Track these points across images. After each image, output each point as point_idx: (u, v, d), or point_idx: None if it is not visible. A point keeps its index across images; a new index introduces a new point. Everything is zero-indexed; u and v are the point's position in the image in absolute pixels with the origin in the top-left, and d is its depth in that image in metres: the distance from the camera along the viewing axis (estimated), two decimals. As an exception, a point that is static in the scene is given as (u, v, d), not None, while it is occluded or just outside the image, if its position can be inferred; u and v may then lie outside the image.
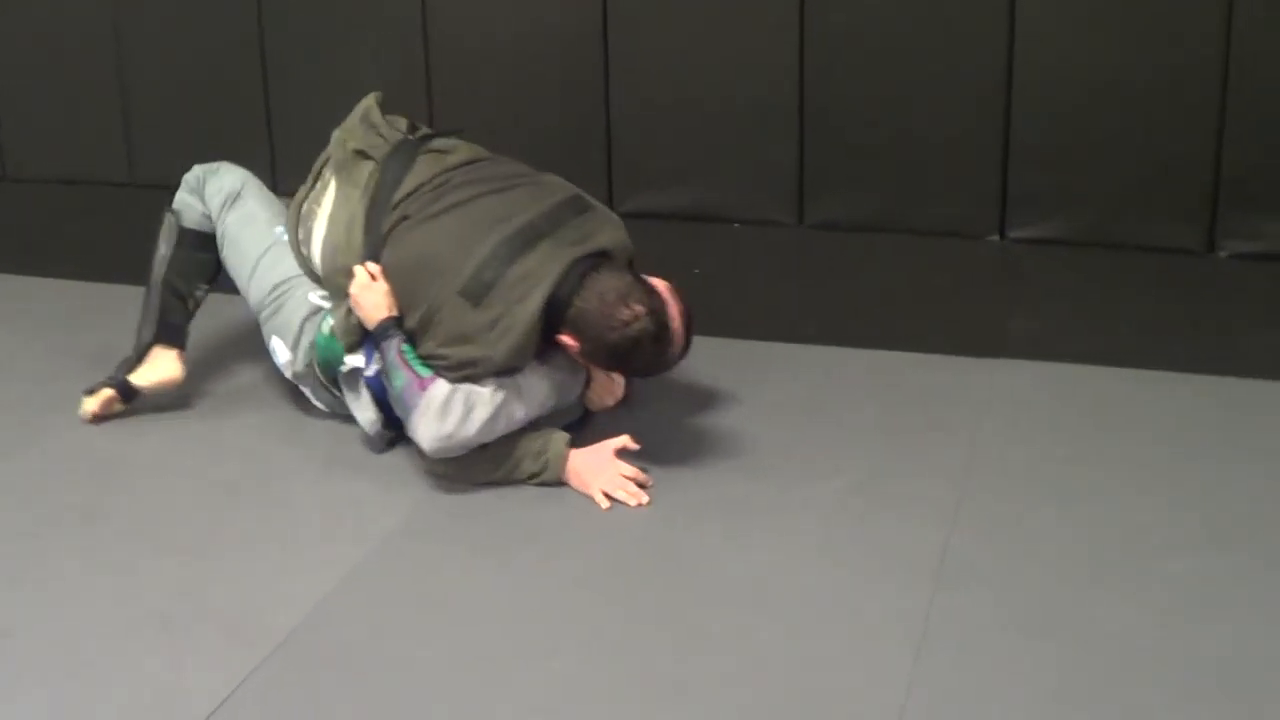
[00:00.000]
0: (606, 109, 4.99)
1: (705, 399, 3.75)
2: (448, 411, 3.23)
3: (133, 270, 3.97)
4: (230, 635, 2.85)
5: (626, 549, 3.13)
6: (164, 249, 3.79)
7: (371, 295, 3.38)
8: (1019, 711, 2.53)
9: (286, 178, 5.32)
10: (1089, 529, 3.10)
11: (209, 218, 3.78)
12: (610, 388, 3.52)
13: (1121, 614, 2.79)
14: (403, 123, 3.69)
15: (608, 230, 3.42)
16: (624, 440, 3.31)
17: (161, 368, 3.78)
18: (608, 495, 3.27)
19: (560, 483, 3.33)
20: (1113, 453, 3.41)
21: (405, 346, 3.31)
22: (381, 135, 3.61)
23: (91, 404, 3.74)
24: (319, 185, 3.65)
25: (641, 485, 3.29)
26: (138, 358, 3.78)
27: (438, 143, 3.61)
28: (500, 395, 3.26)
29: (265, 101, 5.51)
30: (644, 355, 3.26)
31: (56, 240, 5.36)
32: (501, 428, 3.29)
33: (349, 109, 3.73)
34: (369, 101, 3.70)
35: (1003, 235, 4.78)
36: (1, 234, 5.50)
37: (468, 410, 3.23)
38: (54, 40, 5.74)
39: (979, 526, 3.12)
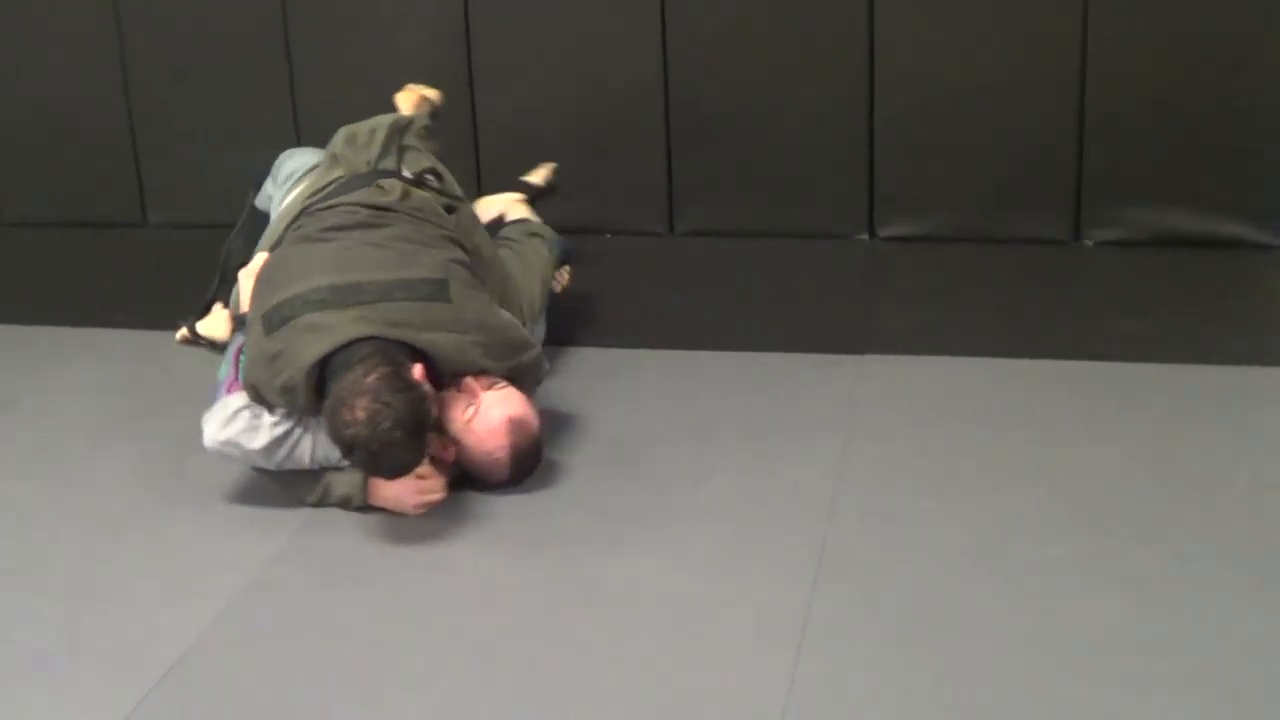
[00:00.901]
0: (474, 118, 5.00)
1: (581, 407, 3.75)
2: (232, 421, 3.25)
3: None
4: (111, 672, 2.82)
5: (505, 563, 3.14)
6: (239, 222, 4.15)
7: (245, 283, 3.48)
8: (899, 701, 2.57)
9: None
10: (963, 518, 3.14)
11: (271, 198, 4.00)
12: (416, 486, 3.30)
13: (997, 600, 2.84)
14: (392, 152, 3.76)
15: (441, 333, 3.27)
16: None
17: (215, 324, 4.12)
18: (420, 506, 3.29)
19: (369, 507, 3.32)
20: (984, 442, 3.46)
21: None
22: (359, 156, 3.69)
23: (178, 335, 4.21)
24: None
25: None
26: (204, 309, 4.18)
27: (386, 181, 3.59)
28: (280, 430, 3.26)
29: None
30: (365, 462, 3.18)
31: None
32: (282, 459, 3.28)
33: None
34: (386, 121, 3.78)
35: (872, 234, 4.83)
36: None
37: (250, 430, 3.25)
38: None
39: (856, 521, 3.16)
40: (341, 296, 3.24)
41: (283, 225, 3.62)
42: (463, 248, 3.49)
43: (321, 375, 3.19)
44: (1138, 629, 2.73)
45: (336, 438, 3.14)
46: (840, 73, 4.72)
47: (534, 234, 4.09)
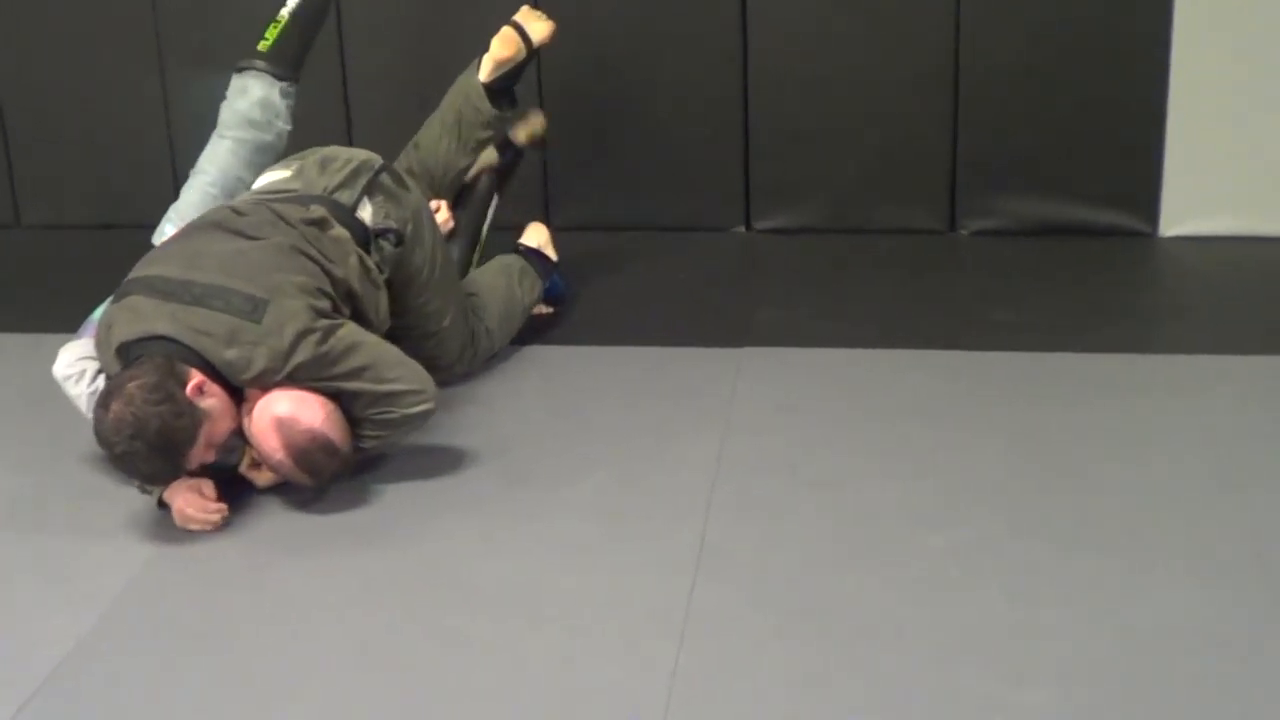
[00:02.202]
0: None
1: (460, 404, 3.76)
2: (73, 365, 3.46)
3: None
4: (-12, 679, 2.80)
5: (384, 561, 3.14)
6: None
7: None
8: (778, 692, 2.61)
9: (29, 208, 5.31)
10: (841, 510, 3.18)
11: None
12: (198, 504, 3.28)
13: (875, 591, 2.88)
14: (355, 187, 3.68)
15: (241, 351, 3.25)
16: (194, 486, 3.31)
17: None
18: (193, 523, 3.27)
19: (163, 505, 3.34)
20: (861, 434, 3.51)
21: None
22: (320, 179, 3.65)
23: None
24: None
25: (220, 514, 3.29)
26: None
27: (315, 207, 3.55)
28: (88, 393, 3.40)
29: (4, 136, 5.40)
30: (111, 462, 3.23)
31: None
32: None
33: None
34: (361, 156, 3.73)
35: (749, 226, 4.87)
36: None
37: (76, 380, 3.44)
38: None
39: (734, 515, 3.19)
40: (169, 289, 3.28)
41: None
42: (337, 286, 3.42)
43: (128, 358, 3.25)
44: (1017, 618, 2.77)
45: (93, 430, 3.19)
46: (715, 63, 4.75)
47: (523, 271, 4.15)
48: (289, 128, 4.05)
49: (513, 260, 4.18)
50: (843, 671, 2.65)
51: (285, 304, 3.25)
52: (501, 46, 4.19)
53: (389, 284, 3.61)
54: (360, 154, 3.75)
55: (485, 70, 4.19)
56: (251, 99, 4.02)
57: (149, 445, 3.10)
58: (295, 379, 3.25)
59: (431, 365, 3.63)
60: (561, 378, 3.94)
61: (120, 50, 5.14)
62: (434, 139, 4.19)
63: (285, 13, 4.10)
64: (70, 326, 3.69)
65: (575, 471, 3.43)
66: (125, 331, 3.26)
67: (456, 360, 3.86)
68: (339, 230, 3.50)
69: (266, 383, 3.26)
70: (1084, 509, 3.13)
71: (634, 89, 4.83)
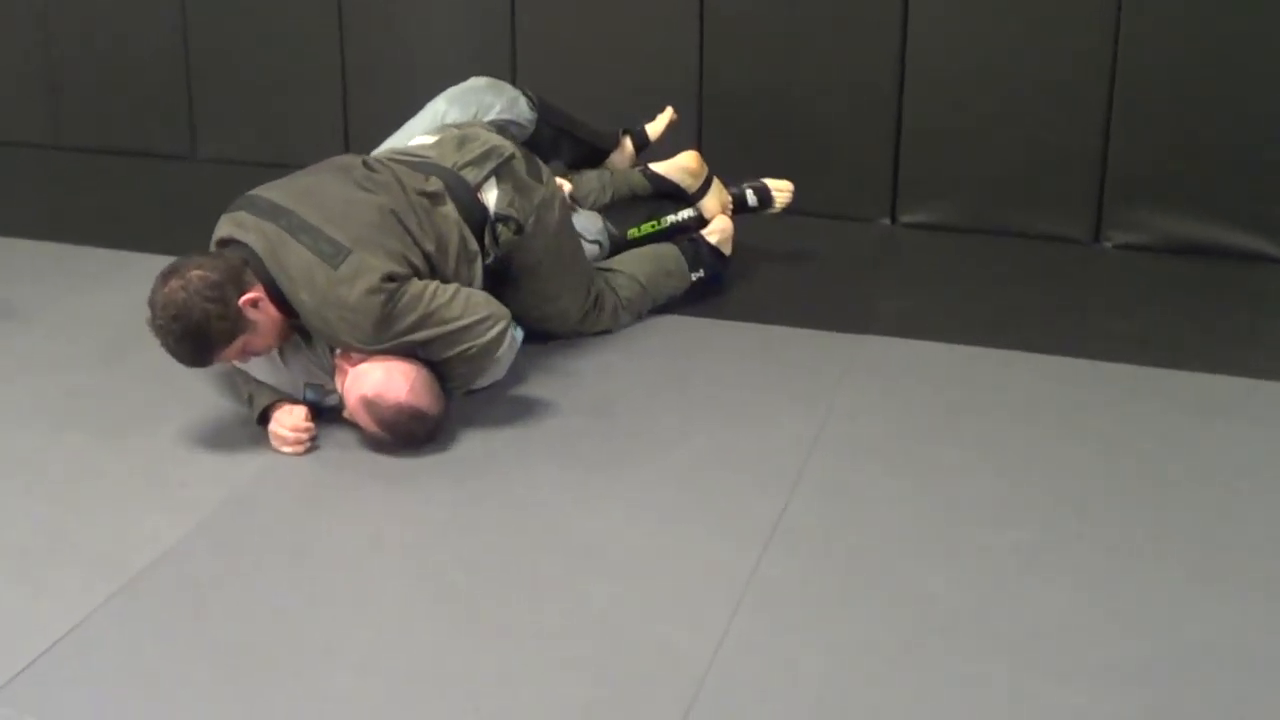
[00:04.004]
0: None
1: (577, 366, 3.89)
2: None
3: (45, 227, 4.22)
4: (84, 571, 2.97)
5: (471, 501, 3.26)
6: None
7: None
8: (819, 666, 2.66)
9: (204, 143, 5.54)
10: (922, 500, 3.22)
11: None
12: (290, 425, 3.47)
13: (937, 581, 2.91)
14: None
15: (310, 293, 3.38)
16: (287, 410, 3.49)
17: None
18: (283, 444, 3.45)
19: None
20: (960, 429, 3.54)
21: None
22: (453, 155, 3.78)
23: None
24: None
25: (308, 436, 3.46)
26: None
27: (434, 179, 3.68)
28: None
29: (186, 71, 5.63)
30: (151, 330, 3.37)
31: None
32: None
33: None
34: (495, 141, 3.85)
35: (893, 219, 4.91)
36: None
37: None
38: None
39: (817, 495, 3.24)
40: (271, 212, 3.46)
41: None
42: (427, 260, 3.53)
43: None
44: (1069, 619, 2.78)
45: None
46: (872, 57, 4.80)
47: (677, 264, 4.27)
48: (489, 118, 4.12)
49: (673, 251, 4.27)
50: (886, 654, 2.69)
51: (365, 259, 3.37)
52: (693, 167, 4.39)
53: (505, 265, 3.75)
54: (496, 139, 3.85)
55: (664, 168, 4.39)
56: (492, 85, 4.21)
57: (184, 329, 3.29)
58: (361, 335, 3.38)
59: (545, 325, 3.86)
60: (679, 346, 4.03)
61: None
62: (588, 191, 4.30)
63: None
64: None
65: (673, 437, 3.51)
66: (223, 233, 3.48)
67: (578, 323, 3.99)
68: (448, 208, 3.62)
69: (331, 335, 3.41)
70: (1159, 523, 3.12)
71: (790, 77, 4.89)
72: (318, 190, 3.55)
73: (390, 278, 3.38)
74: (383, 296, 3.36)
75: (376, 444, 3.45)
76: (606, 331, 4.05)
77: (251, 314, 3.35)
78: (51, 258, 4.82)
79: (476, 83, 4.22)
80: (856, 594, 2.88)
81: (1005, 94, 4.70)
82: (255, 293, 3.36)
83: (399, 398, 3.36)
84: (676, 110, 4.58)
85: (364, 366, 3.40)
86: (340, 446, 3.47)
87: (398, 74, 5.23)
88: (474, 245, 3.64)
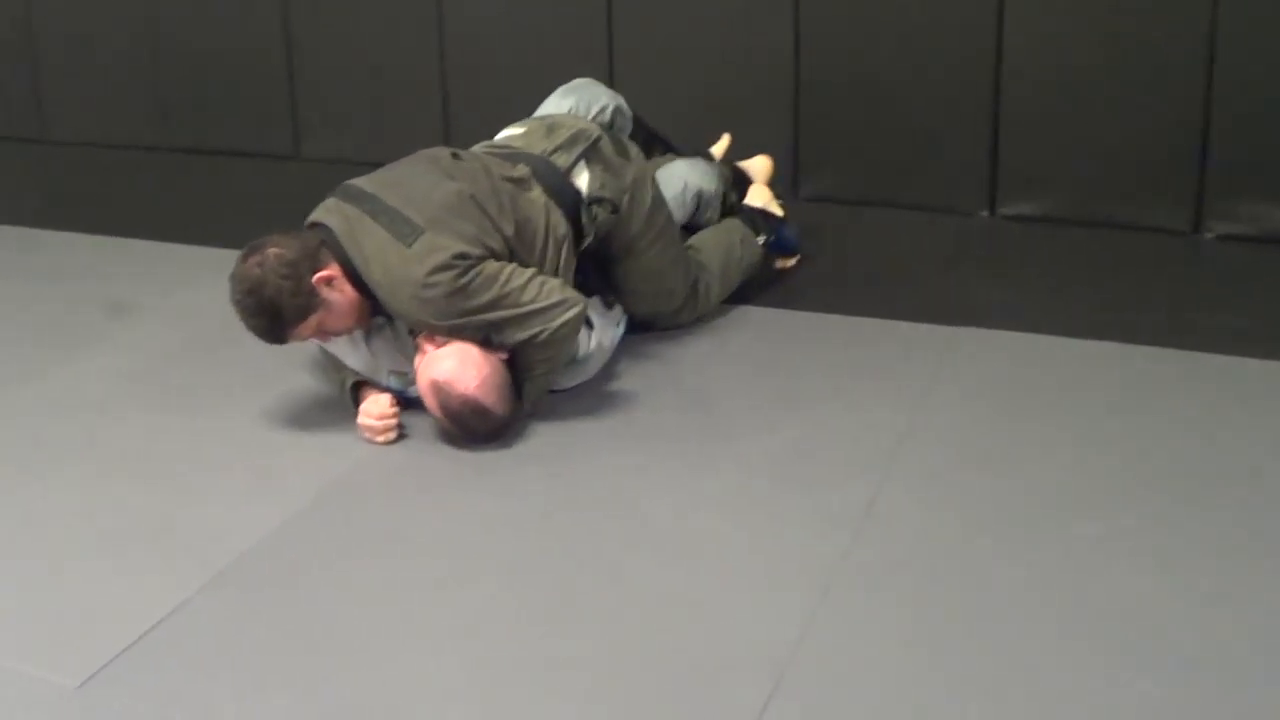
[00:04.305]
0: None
1: (672, 356, 3.93)
2: None
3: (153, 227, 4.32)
4: (187, 555, 3.06)
5: (561, 490, 3.31)
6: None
7: None
8: (900, 654, 2.67)
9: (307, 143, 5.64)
10: (1013, 491, 3.20)
11: None
12: (374, 415, 3.54)
13: (1020, 570, 2.90)
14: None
15: (382, 270, 3.44)
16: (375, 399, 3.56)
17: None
18: (360, 426, 3.54)
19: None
20: (1055, 420, 3.51)
21: None
22: (542, 142, 3.84)
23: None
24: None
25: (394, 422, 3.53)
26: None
27: (521, 166, 3.73)
28: None
29: (289, 72, 5.74)
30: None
31: (88, 199, 5.65)
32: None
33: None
34: (580, 125, 3.91)
35: (992, 211, 4.89)
36: (37, 192, 5.80)
37: None
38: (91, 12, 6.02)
39: (906, 485, 3.24)
40: (357, 198, 3.54)
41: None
42: (505, 244, 3.56)
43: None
44: (1149, 609, 2.77)
45: None
46: (969, 50, 4.77)
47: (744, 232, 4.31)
48: (595, 111, 4.17)
49: (735, 222, 4.31)
50: (967, 642, 2.69)
51: (436, 238, 3.42)
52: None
53: (606, 246, 3.79)
54: (582, 123, 3.90)
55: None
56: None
57: (258, 305, 3.39)
58: (432, 311, 3.42)
59: (655, 316, 3.88)
60: (773, 338, 4.04)
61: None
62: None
63: None
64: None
65: (765, 427, 3.53)
66: (311, 218, 3.57)
67: (680, 310, 4.02)
68: (535, 193, 3.65)
69: (406, 313, 3.46)
70: (1247, 518, 3.07)
71: (888, 70, 4.88)
72: (404, 177, 3.62)
73: (462, 256, 3.42)
74: (453, 273, 3.40)
75: (448, 436, 3.49)
76: (701, 318, 4.10)
77: (326, 292, 3.42)
78: (160, 256, 4.94)
79: (582, 80, 4.28)
80: (943, 582, 2.88)
81: (1104, 85, 4.65)
82: (329, 270, 3.42)
83: (467, 389, 3.40)
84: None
85: (441, 351, 3.44)
86: (431, 437, 3.52)
87: (497, 73, 5.30)
88: (564, 228, 3.67)
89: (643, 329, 4.00)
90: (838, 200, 5.01)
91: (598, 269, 3.83)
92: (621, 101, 4.26)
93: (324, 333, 3.51)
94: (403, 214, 3.46)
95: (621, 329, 3.89)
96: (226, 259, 4.63)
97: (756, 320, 4.17)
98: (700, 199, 4.27)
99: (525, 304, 3.46)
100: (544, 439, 3.51)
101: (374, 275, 3.44)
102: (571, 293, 3.55)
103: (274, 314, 3.41)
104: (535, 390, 3.57)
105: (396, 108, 5.57)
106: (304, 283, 3.40)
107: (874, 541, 3.02)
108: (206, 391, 3.86)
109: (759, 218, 4.36)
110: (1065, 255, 4.59)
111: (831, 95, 4.95)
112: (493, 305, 3.44)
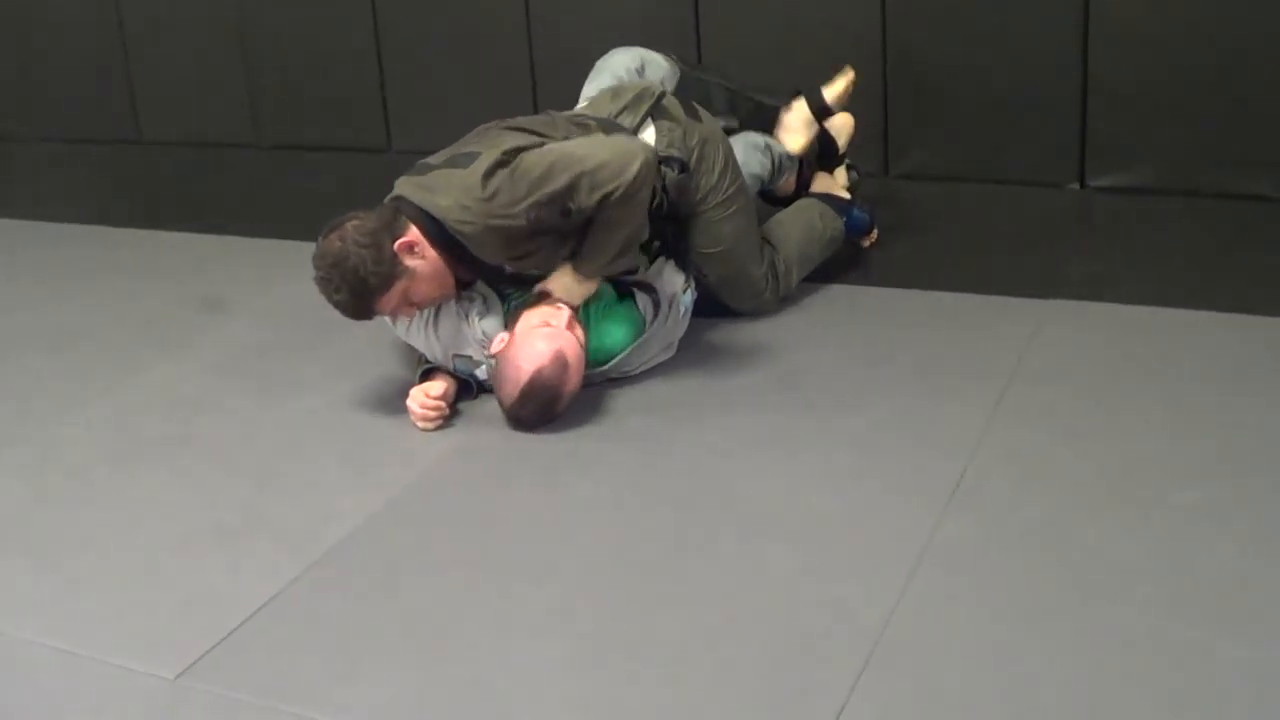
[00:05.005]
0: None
1: (758, 334, 3.93)
2: None
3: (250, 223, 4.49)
4: (282, 546, 3.10)
5: (653, 467, 3.33)
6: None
7: None
8: (996, 621, 2.66)
9: (399, 136, 5.68)
10: (1106, 462, 3.17)
11: None
12: (419, 402, 3.58)
13: (1118, 540, 2.88)
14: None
15: (447, 197, 3.47)
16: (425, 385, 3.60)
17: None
18: (414, 418, 3.58)
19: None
20: (1143, 390, 3.48)
21: None
22: (609, 105, 3.89)
23: None
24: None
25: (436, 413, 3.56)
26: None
27: (591, 123, 3.77)
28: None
29: (379, 66, 5.80)
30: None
31: (182, 197, 5.74)
32: None
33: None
34: (641, 86, 3.96)
35: (1083, 184, 4.85)
36: (133, 191, 5.90)
37: None
38: (182, 13, 6.11)
39: (998, 459, 3.22)
40: (420, 168, 3.60)
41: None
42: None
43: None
44: (1246, 576, 2.73)
45: None
46: (1057, 19, 4.73)
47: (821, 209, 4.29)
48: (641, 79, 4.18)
49: (811, 200, 4.30)
50: (1065, 613, 2.67)
51: (491, 154, 3.46)
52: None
53: (675, 209, 3.79)
54: (645, 83, 3.96)
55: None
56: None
57: (342, 278, 3.40)
58: (504, 214, 3.41)
59: (736, 296, 3.91)
60: (861, 315, 4.04)
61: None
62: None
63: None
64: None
65: (854, 403, 3.52)
66: (386, 199, 3.59)
67: (760, 291, 4.01)
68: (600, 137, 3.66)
69: (480, 238, 3.45)
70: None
71: (976, 44, 4.85)
72: (466, 139, 3.68)
73: (512, 150, 3.46)
74: (507, 166, 3.43)
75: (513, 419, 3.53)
76: (786, 297, 4.09)
77: (409, 259, 3.44)
78: (255, 252, 5.02)
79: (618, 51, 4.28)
80: (1035, 555, 2.86)
81: (1193, 53, 4.59)
82: (410, 235, 3.44)
83: (552, 382, 3.42)
84: (857, 71, 4.53)
85: (556, 332, 3.44)
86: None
87: (582, 66, 5.30)
88: None
89: (729, 313, 4.02)
90: (928, 177, 4.99)
91: (668, 245, 3.85)
92: (659, 59, 4.23)
93: (410, 304, 3.51)
94: (463, 152, 3.54)
95: (689, 298, 3.88)
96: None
97: (843, 297, 4.17)
98: (774, 156, 4.23)
99: (581, 159, 3.42)
100: (635, 420, 3.52)
101: (440, 203, 3.45)
102: (636, 142, 3.55)
103: (359, 286, 3.42)
104: (622, 261, 3.58)
105: (487, 99, 5.59)
106: (385, 250, 3.41)
107: (965, 516, 3.00)
108: (301, 384, 3.91)
109: (828, 200, 4.34)
110: (1157, 226, 4.53)
111: (920, 71, 4.93)
112: (551, 172, 3.41)
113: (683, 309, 3.81)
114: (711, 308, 3.99)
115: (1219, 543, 2.85)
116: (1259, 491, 3.02)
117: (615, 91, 3.92)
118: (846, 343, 3.88)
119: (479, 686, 2.61)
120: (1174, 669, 2.50)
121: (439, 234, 3.45)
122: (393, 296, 3.46)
